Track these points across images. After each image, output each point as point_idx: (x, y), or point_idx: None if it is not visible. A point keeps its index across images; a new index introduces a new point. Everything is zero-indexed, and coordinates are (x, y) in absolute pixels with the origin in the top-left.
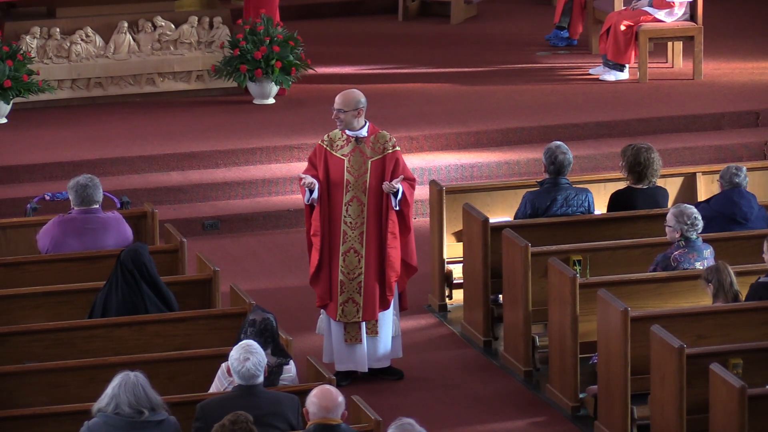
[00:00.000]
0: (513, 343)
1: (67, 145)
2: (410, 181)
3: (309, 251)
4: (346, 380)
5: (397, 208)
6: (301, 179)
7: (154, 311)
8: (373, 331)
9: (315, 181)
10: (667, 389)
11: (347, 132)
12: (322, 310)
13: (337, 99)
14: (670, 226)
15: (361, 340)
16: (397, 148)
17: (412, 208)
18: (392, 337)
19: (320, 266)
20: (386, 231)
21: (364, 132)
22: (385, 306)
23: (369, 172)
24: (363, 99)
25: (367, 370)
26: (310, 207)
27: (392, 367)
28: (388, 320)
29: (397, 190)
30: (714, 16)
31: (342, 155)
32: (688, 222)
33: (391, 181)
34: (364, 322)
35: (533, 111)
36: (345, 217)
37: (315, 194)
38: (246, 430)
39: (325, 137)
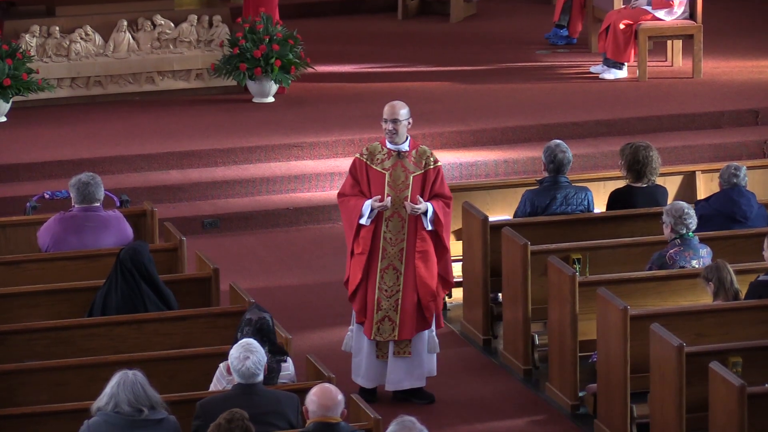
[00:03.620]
0: (512, 342)
1: (66, 143)
2: (446, 200)
3: (347, 267)
4: (370, 397)
5: (430, 228)
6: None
7: (154, 310)
8: (404, 352)
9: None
10: (667, 388)
11: (389, 146)
12: (350, 327)
13: (390, 110)
14: (663, 222)
15: (387, 357)
16: (439, 163)
17: (448, 228)
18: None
19: (359, 284)
20: (415, 250)
21: (406, 146)
22: (425, 325)
23: (410, 187)
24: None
25: (391, 390)
26: (356, 227)
27: (423, 389)
28: (423, 340)
29: (426, 210)
30: (713, 15)
31: (383, 169)
32: (677, 215)
33: (427, 196)
34: (392, 342)
35: (533, 109)
36: (385, 233)
37: (374, 213)
38: (242, 427)
39: (364, 150)
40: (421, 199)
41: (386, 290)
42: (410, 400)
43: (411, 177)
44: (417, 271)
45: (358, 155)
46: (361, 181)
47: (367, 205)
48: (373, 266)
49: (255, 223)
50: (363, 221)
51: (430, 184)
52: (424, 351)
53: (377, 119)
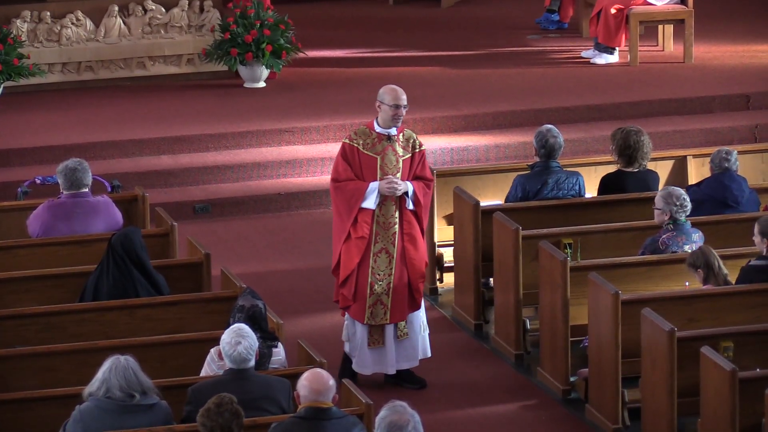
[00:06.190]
0: (504, 327)
1: (57, 128)
2: (427, 182)
3: (338, 253)
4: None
5: (411, 207)
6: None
7: (145, 296)
8: (402, 334)
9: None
10: (658, 372)
11: (378, 130)
12: (347, 317)
13: (398, 95)
14: (658, 209)
15: (384, 344)
16: (424, 147)
17: (426, 209)
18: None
19: (353, 269)
20: (403, 233)
21: (395, 129)
22: (415, 307)
23: (401, 170)
24: None
25: (394, 372)
26: (356, 210)
27: (415, 374)
28: (416, 321)
29: (406, 190)
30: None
31: (375, 153)
32: (677, 203)
33: (411, 178)
34: (390, 325)
35: (524, 94)
36: (378, 216)
37: (380, 196)
38: (231, 411)
39: (353, 135)
40: (398, 179)
41: (379, 274)
42: (402, 384)
43: (401, 160)
44: (407, 253)
45: (347, 140)
46: (353, 166)
47: (374, 186)
48: (367, 250)
49: (246, 209)
50: (368, 204)
51: (415, 166)
52: (418, 332)
53: (368, 104)
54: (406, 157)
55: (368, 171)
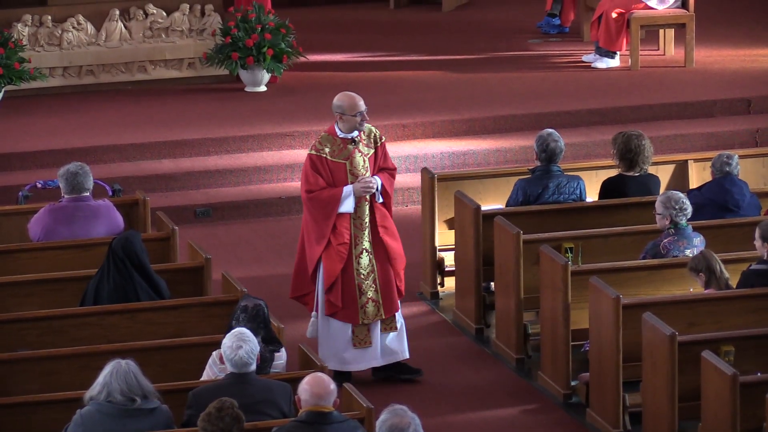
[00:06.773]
0: (505, 331)
1: (58, 132)
2: (390, 171)
3: (315, 259)
4: (345, 379)
5: (380, 200)
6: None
7: (146, 299)
8: (392, 328)
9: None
10: (659, 377)
11: (341, 135)
12: (313, 314)
13: (358, 102)
14: (659, 214)
15: (371, 343)
16: (384, 139)
17: (392, 198)
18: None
19: (338, 275)
20: (377, 226)
21: (356, 132)
22: (399, 294)
23: (369, 169)
24: None
25: (380, 363)
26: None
27: (409, 365)
28: (399, 312)
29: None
30: (705, 4)
31: (342, 159)
32: (676, 207)
33: (376, 171)
34: (377, 323)
35: (525, 98)
36: (354, 219)
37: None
38: (232, 416)
39: (318, 145)
40: (368, 176)
41: (363, 273)
42: (399, 377)
43: (367, 159)
44: (386, 245)
45: (313, 152)
46: (323, 175)
47: (348, 191)
48: (349, 254)
49: (247, 212)
50: (346, 208)
51: (379, 159)
52: (401, 324)
53: (369, 108)
54: (371, 154)
55: (338, 177)
